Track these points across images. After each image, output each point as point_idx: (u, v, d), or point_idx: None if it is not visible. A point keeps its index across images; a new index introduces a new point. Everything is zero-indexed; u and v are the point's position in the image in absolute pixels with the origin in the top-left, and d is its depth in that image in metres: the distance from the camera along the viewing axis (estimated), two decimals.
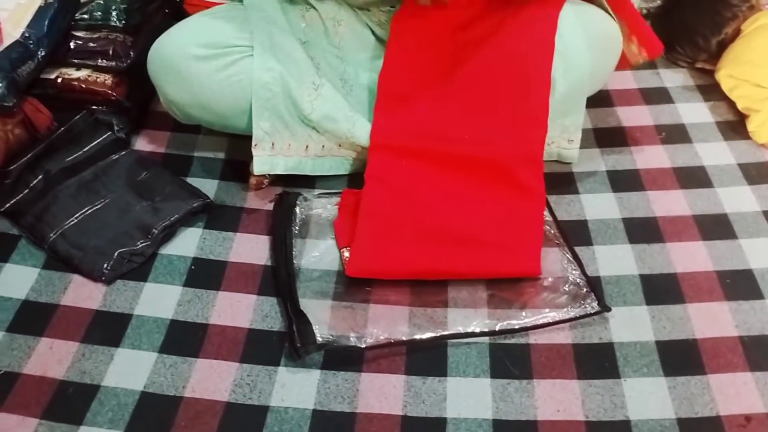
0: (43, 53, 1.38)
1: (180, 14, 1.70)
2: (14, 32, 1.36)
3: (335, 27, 1.38)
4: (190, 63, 1.21)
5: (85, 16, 1.47)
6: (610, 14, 1.30)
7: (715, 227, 1.27)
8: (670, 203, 1.31)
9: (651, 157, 1.42)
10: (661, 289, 1.16)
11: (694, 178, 1.36)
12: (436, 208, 1.23)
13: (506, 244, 1.19)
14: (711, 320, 1.11)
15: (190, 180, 1.38)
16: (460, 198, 1.24)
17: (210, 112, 1.27)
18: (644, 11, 1.79)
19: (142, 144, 1.48)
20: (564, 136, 1.34)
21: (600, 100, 1.52)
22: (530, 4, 1.26)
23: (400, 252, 1.17)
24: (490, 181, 1.25)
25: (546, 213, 1.28)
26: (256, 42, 1.25)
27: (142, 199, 1.30)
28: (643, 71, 1.62)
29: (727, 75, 1.49)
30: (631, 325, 1.11)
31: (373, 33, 1.40)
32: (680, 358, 1.06)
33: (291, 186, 1.35)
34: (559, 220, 1.28)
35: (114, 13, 1.47)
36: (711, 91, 1.55)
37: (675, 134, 1.46)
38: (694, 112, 1.52)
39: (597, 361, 1.06)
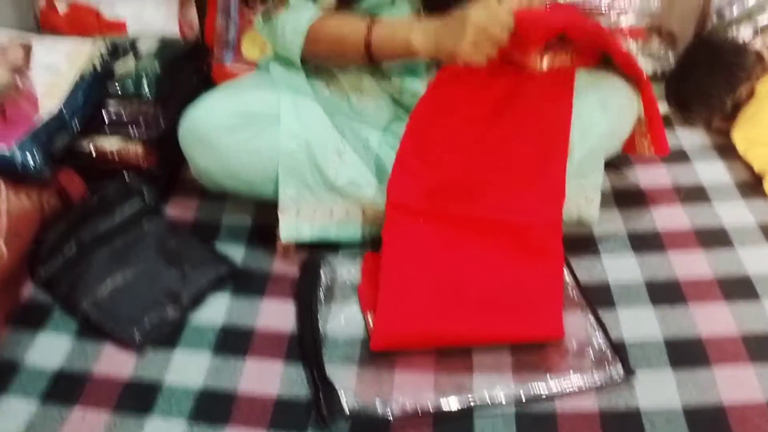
0: (77, 125, 1.44)
1: (208, 83, 1.77)
2: (50, 105, 1.42)
3: (358, 95, 1.42)
4: (219, 133, 1.25)
5: (118, 88, 1.53)
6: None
7: (738, 288, 1.27)
8: (691, 264, 1.32)
9: (671, 217, 1.43)
10: (686, 353, 1.16)
11: (714, 238, 1.37)
12: (455, 272, 1.25)
13: (527, 309, 1.20)
14: (737, 384, 1.11)
15: (218, 246, 1.41)
16: (479, 262, 1.26)
17: (238, 180, 1.31)
18: (659, 72, 1.83)
19: (171, 211, 1.52)
20: (583, 196, 1.36)
21: (618, 160, 1.54)
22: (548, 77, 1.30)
23: (422, 323, 1.19)
24: (508, 244, 1.27)
25: (567, 275, 1.30)
26: (282, 110, 1.29)
27: (171, 266, 1.33)
28: None
29: (742, 136, 1.51)
30: (657, 390, 1.11)
31: (394, 100, 1.44)
32: (708, 426, 1.06)
33: (316, 250, 1.38)
34: (581, 283, 1.29)
35: (145, 84, 1.53)
36: (728, 150, 1.57)
37: (694, 194, 1.48)
38: (712, 171, 1.54)
39: (624, 430, 1.06)
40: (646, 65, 1.83)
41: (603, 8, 1.81)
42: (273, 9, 1.32)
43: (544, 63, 1.34)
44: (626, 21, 1.83)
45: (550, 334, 1.19)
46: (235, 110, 1.26)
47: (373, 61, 1.29)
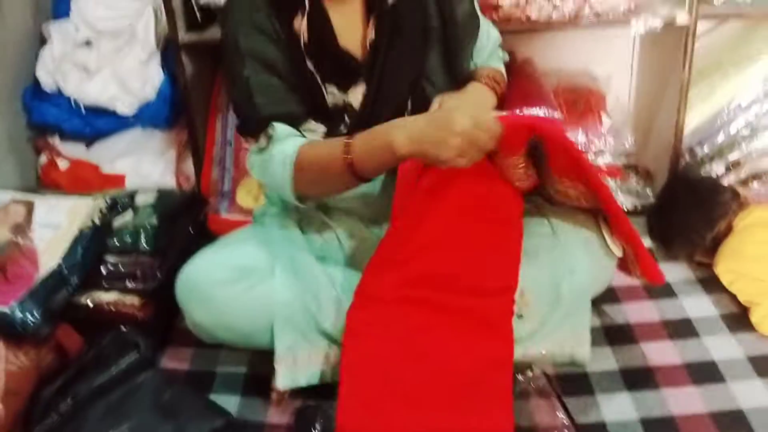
0: (76, 281, 1.47)
1: (205, 232, 1.82)
2: (51, 262, 1.46)
3: (349, 241, 1.47)
4: (215, 288, 1.29)
5: (116, 242, 1.58)
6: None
7: (732, 424, 1.27)
8: (685, 401, 1.33)
9: (661, 353, 1.45)
10: None
11: (706, 373, 1.39)
12: (414, 362, 1.24)
13: (477, 407, 1.21)
14: None
15: (213, 396, 1.41)
16: (437, 349, 1.26)
17: (234, 332, 1.33)
18: (638, 208, 1.90)
19: (166, 361, 1.53)
20: (574, 337, 1.38)
21: (606, 296, 1.57)
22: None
23: (383, 418, 1.19)
24: (464, 325, 1.28)
25: (564, 417, 1.30)
26: (277, 263, 1.33)
27: (166, 420, 1.32)
28: None
29: (725, 270, 1.56)
30: None
31: None
32: None
33: (311, 396, 1.38)
34: (577, 425, 1.29)
35: (143, 237, 1.58)
36: (712, 283, 1.61)
37: (682, 329, 1.51)
38: (698, 305, 1.57)
39: None
40: (626, 202, 1.91)
41: (580, 148, 1.90)
42: (263, 146, 1.32)
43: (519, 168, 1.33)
44: (603, 160, 1.92)
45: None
46: (231, 265, 1.30)
47: (358, 175, 1.21)
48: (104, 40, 1.87)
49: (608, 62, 2.09)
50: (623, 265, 1.42)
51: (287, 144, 1.26)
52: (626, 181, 1.93)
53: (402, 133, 1.14)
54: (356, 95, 1.32)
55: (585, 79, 2.06)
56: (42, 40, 1.95)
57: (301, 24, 1.26)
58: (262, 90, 1.27)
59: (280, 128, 1.27)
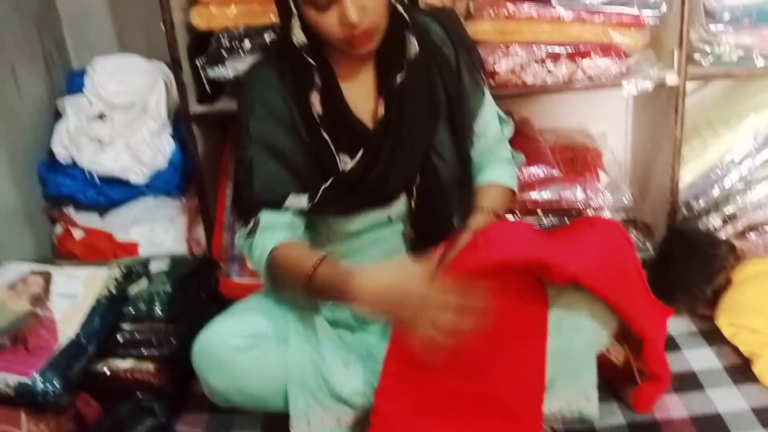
0: (94, 349, 1.51)
1: (216, 297, 1.86)
2: (69, 331, 1.50)
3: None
4: (231, 354, 1.32)
5: (131, 310, 1.62)
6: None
7: None
8: None
9: (668, 406, 1.48)
10: None
11: (712, 426, 1.42)
12: None
13: None
14: None
15: None
16: None
17: (248, 396, 1.36)
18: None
19: (182, 425, 1.56)
20: (582, 395, 1.40)
21: None
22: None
23: None
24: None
25: None
26: (290, 328, 1.37)
27: None
28: None
29: (726, 322, 1.59)
30: None
31: None
32: None
33: None
34: None
35: (157, 305, 1.63)
36: (714, 335, 1.65)
37: (687, 382, 1.54)
38: (702, 358, 1.61)
39: None
40: None
41: (579, 205, 1.95)
42: (248, 231, 1.36)
43: None
44: (602, 216, 1.97)
45: None
46: (245, 332, 1.33)
47: (309, 292, 1.24)
48: (117, 113, 1.95)
49: (603, 120, 2.16)
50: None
51: (268, 237, 1.30)
52: None
53: (365, 284, 1.14)
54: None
55: (581, 137, 2.13)
56: (57, 115, 2.03)
57: (315, 98, 1.32)
58: (262, 175, 1.32)
59: (266, 217, 1.32)
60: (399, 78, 1.32)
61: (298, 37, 1.27)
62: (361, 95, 1.37)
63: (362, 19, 1.20)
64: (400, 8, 1.29)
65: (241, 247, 1.39)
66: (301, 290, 1.25)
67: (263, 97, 1.34)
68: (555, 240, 1.32)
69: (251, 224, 1.33)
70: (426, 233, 1.40)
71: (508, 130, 1.53)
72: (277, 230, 1.32)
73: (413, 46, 1.31)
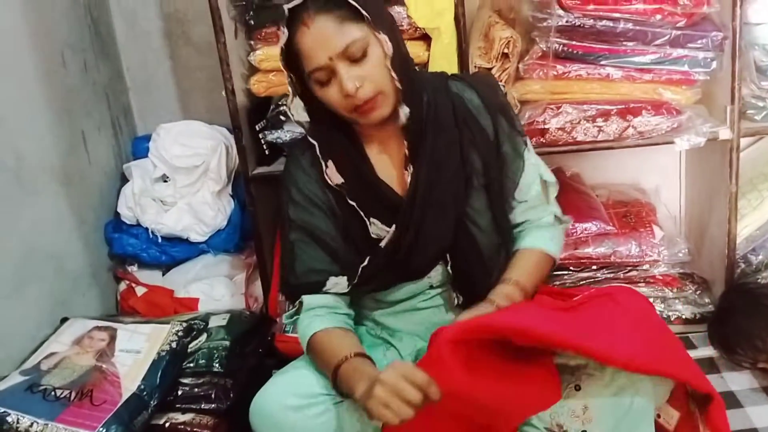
0: (155, 402, 1.55)
1: (272, 351, 1.89)
2: (131, 386, 1.55)
3: (410, 359, 1.51)
4: (287, 414, 1.33)
5: (191, 364, 1.67)
6: None
7: None
8: None
9: None
10: None
11: None
12: None
13: None
14: None
15: None
16: None
17: None
18: (697, 316, 1.91)
19: None
20: None
21: None
22: None
23: None
24: None
25: None
26: None
27: None
28: (707, 375, 1.69)
29: None
30: None
31: None
32: None
33: None
34: None
35: (217, 360, 1.67)
36: None
37: None
38: (765, 414, 1.56)
39: None
40: (684, 311, 1.93)
41: (634, 260, 1.94)
42: (293, 312, 1.41)
43: None
44: (658, 270, 1.96)
45: None
46: (301, 392, 1.33)
47: (335, 387, 1.26)
48: (180, 176, 2.04)
49: (656, 175, 2.17)
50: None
51: (308, 323, 1.34)
52: (683, 290, 1.95)
53: (363, 385, 1.16)
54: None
55: (634, 192, 2.14)
56: (123, 178, 2.13)
57: (331, 170, 1.34)
58: (303, 258, 1.37)
59: (308, 299, 1.36)
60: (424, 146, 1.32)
61: (298, 116, 1.32)
62: (390, 164, 1.38)
63: (360, 88, 1.23)
64: (394, 74, 1.26)
65: (288, 322, 1.43)
66: (330, 382, 1.28)
67: (299, 184, 1.38)
68: (586, 321, 1.25)
69: (296, 306, 1.38)
70: (468, 297, 1.38)
71: (553, 191, 1.49)
72: (319, 312, 1.35)
73: (404, 114, 1.29)
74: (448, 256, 1.37)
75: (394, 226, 1.34)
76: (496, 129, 1.38)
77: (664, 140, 1.79)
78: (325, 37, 1.23)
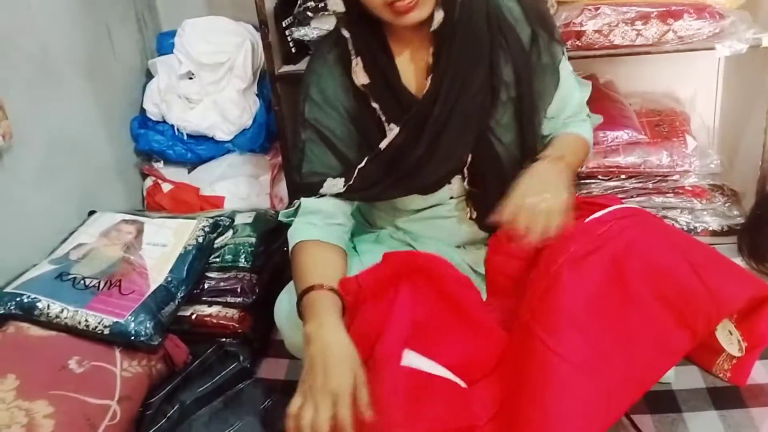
0: (182, 294, 1.58)
1: None
2: (159, 277, 1.57)
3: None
4: None
5: (217, 259, 1.69)
6: None
7: None
8: None
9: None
10: None
11: None
12: None
13: None
14: None
15: None
16: None
17: None
18: (724, 228, 1.89)
19: (264, 371, 1.63)
20: None
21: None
22: None
23: None
24: None
25: None
26: None
27: (265, 427, 1.41)
28: None
29: None
30: None
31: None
32: None
33: None
34: None
35: (242, 256, 1.69)
36: None
37: None
38: None
39: None
40: (712, 222, 1.91)
41: (665, 170, 1.91)
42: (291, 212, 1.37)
43: None
44: (689, 181, 1.93)
45: None
46: None
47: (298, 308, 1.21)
48: (205, 73, 2.01)
49: (692, 84, 2.10)
50: (702, 357, 1.31)
51: (302, 227, 1.31)
52: (712, 201, 1.92)
53: (323, 328, 1.13)
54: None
55: (668, 100, 2.08)
56: (148, 75, 2.11)
57: (358, 67, 1.28)
58: (311, 159, 1.32)
59: (307, 202, 1.32)
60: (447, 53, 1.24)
61: (334, 4, 1.26)
62: (417, 72, 1.31)
63: None
64: None
65: (285, 220, 1.38)
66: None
67: (321, 82, 1.33)
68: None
69: (294, 206, 1.35)
70: (487, 212, 1.31)
71: (585, 94, 1.45)
72: (314, 219, 1.31)
73: (437, 18, 1.21)
74: (465, 171, 1.33)
75: (398, 128, 1.28)
76: (534, 39, 1.31)
77: (704, 46, 1.72)
78: None
